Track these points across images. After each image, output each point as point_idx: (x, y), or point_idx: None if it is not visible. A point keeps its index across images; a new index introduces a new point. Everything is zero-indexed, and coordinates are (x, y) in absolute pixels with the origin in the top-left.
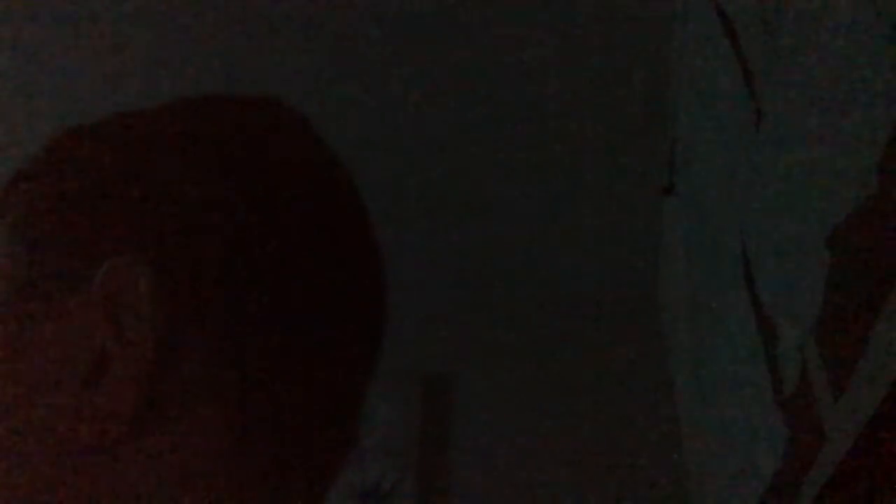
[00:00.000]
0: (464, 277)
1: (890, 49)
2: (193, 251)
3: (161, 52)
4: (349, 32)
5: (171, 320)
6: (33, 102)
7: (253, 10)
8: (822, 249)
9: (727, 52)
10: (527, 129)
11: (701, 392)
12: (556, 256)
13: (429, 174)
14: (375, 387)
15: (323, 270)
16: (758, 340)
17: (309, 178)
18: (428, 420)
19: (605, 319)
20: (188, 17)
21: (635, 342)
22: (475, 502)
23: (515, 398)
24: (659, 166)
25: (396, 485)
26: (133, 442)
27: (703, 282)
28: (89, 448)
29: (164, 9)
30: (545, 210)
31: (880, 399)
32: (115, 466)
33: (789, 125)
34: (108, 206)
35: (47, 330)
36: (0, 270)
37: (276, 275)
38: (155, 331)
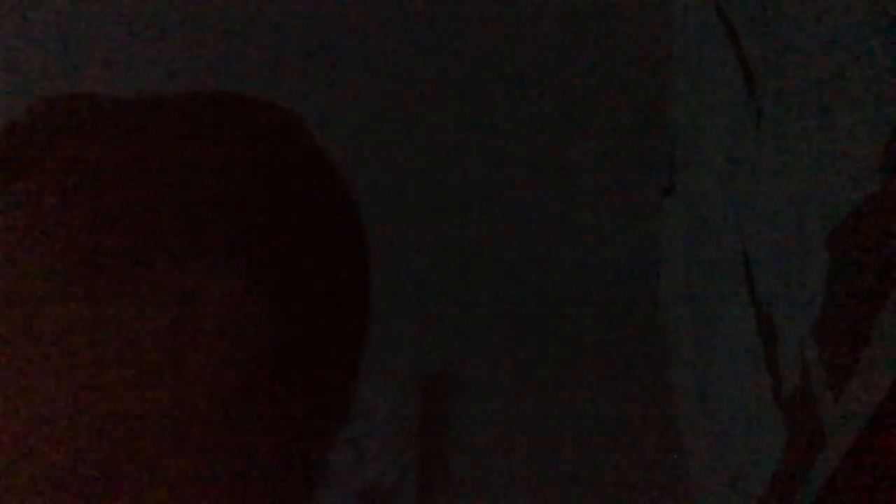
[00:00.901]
0: (463, 277)
1: (890, 49)
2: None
3: (158, 50)
4: (347, 31)
5: (245, 331)
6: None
7: (250, 8)
8: (821, 249)
9: (727, 52)
10: (526, 129)
11: (701, 392)
12: (556, 256)
13: (427, 173)
14: (375, 386)
15: (313, 267)
16: (758, 340)
17: (302, 177)
18: (427, 420)
19: (605, 319)
20: (185, 16)
21: (635, 342)
22: (475, 502)
23: (515, 398)
24: (659, 166)
25: (396, 485)
26: (195, 442)
27: (703, 282)
28: (150, 444)
29: (160, 7)
30: (545, 210)
31: (880, 399)
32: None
33: (789, 125)
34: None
35: (114, 312)
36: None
37: (274, 272)
38: (232, 341)
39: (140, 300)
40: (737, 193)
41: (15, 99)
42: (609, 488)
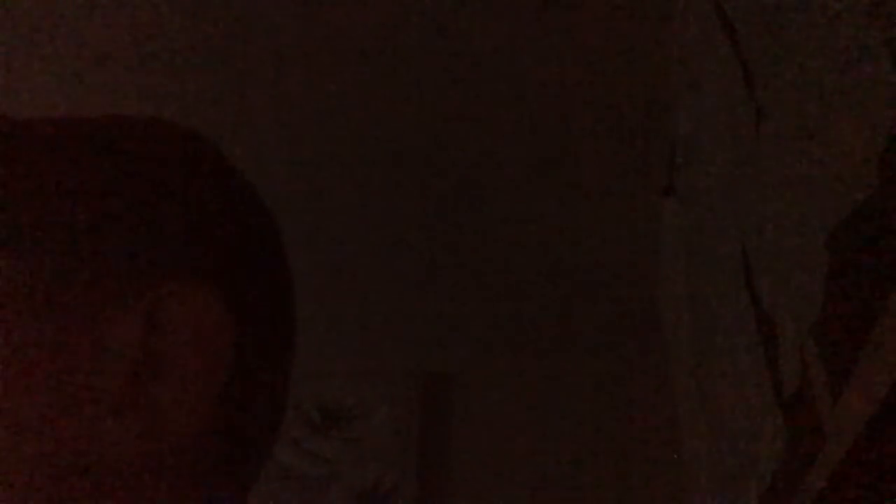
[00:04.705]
0: (463, 277)
1: (890, 48)
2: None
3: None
4: (349, 32)
5: (217, 357)
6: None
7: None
8: (821, 249)
9: (727, 52)
10: (526, 129)
11: (701, 392)
12: (556, 256)
13: (428, 173)
14: (375, 386)
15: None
16: (758, 340)
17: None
18: (427, 420)
19: (605, 320)
20: (181, 20)
21: (635, 342)
22: (475, 502)
23: (515, 398)
24: (659, 166)
25: (396, 485)
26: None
27: (703, 282)
28: (110, 475)
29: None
30: (545, 210)
31: (880, 399)
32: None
33: (790, 125)
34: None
35: (78, 345)
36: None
37: (236, 287)
38: (194, 368)
39: (98, 324)
40: (737, 193)
41: (12, 102)
42: (609, 488)
